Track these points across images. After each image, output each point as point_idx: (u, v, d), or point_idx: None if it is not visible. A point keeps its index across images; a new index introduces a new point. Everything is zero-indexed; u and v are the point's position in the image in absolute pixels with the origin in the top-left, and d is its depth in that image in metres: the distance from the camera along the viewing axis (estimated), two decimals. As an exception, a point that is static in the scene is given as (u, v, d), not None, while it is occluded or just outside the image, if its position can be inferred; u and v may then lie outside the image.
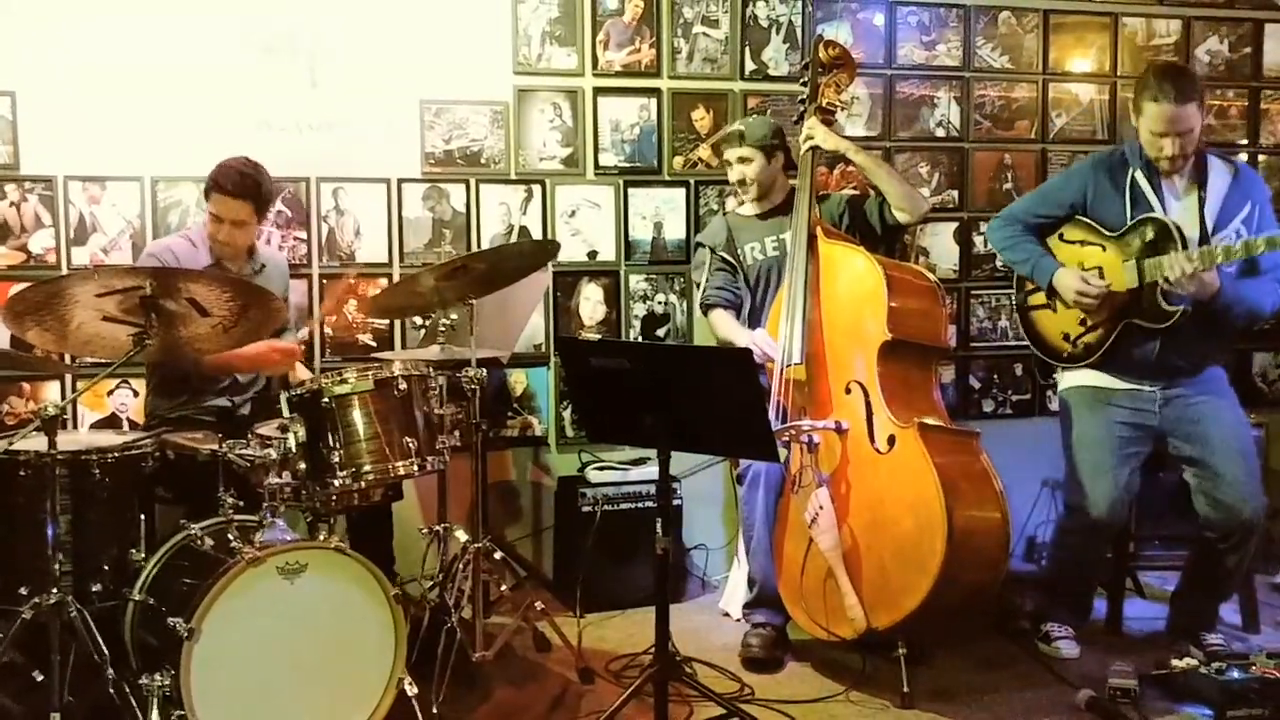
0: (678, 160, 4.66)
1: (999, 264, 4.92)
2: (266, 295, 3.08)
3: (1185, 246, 3.47)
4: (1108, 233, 3.66)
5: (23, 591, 2.96)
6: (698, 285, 4.23)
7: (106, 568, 3.13)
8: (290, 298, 4.12)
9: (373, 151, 4.33)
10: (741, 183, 4.09)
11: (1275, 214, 3.71)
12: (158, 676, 2.79)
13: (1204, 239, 3.53)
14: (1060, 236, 3.79)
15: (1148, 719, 3.26)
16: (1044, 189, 3.99)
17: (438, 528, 3.72)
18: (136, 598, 3.05)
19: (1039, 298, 3.83)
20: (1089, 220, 3.72)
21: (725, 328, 4.07)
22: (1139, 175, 3.63)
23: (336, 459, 3.11)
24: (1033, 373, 4.80)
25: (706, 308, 4.16)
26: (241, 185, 3.66)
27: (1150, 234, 3.55)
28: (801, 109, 4.06)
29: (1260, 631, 4.01)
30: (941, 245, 4.95)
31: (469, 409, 3.55)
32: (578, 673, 3.59)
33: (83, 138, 4.06)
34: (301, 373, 3.88)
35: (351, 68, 4.29)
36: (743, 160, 4.05)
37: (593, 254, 4.61)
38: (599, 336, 4.58)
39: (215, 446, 3.20)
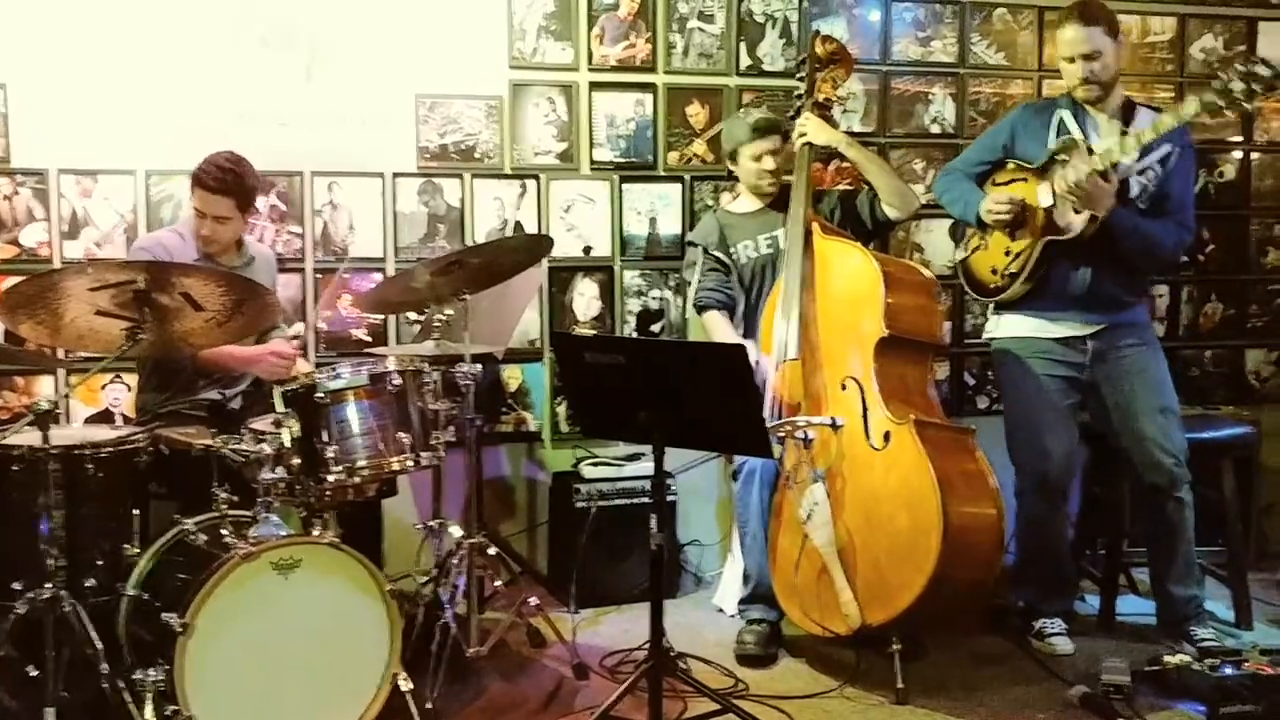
0: (673, 155, 4.66)
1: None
2: (260, 290, 3.08)
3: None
4: (1031, 166, 3.73)
5: (16, 586, 2.94)
6: (689, 285, 4.21)
7: (100, 563, 3.11)
8: (283, 293, 4.11)
9: (367, 146, 4.32)
10: (773, 172, 4.06)
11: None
12: (152, 672, 2.80)
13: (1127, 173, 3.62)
14: (993, 182, 3.86)
15: (1141, 715, 3.27)
16: (980, 138, 4.06)
17: (432, 523, 3.71)
18: (130, 593, 3.04)
19: (975, 240, 3.89)
20: (1016, 160, 3.81)
21: (719, 332, 4.06)
22: (1065, 114, 3.73)
23: (331, 454, 3.10)
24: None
25: (700, 309, 4.15)
26: (222, 181, 3.61)
27: (1060, 154, 3.62)
28: (798, 104, 4.06)
29: (1253, 628, 4.01)
30: (936, 242, 4.94)
31: (463, 405, 3.54)
32: (572, 668, 3.58)
33: (75, 130, 4.05)
34: (303, 365, 3.86)
35: (346, 62, 4.28)
36: (775, 152, 4.04)
37: (587, 249, 4.60)
38: (593, 332, 4.58)
39: (209, 441, 3.19)
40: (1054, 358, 3.76)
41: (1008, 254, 3.75)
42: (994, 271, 3.80)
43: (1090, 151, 3.55)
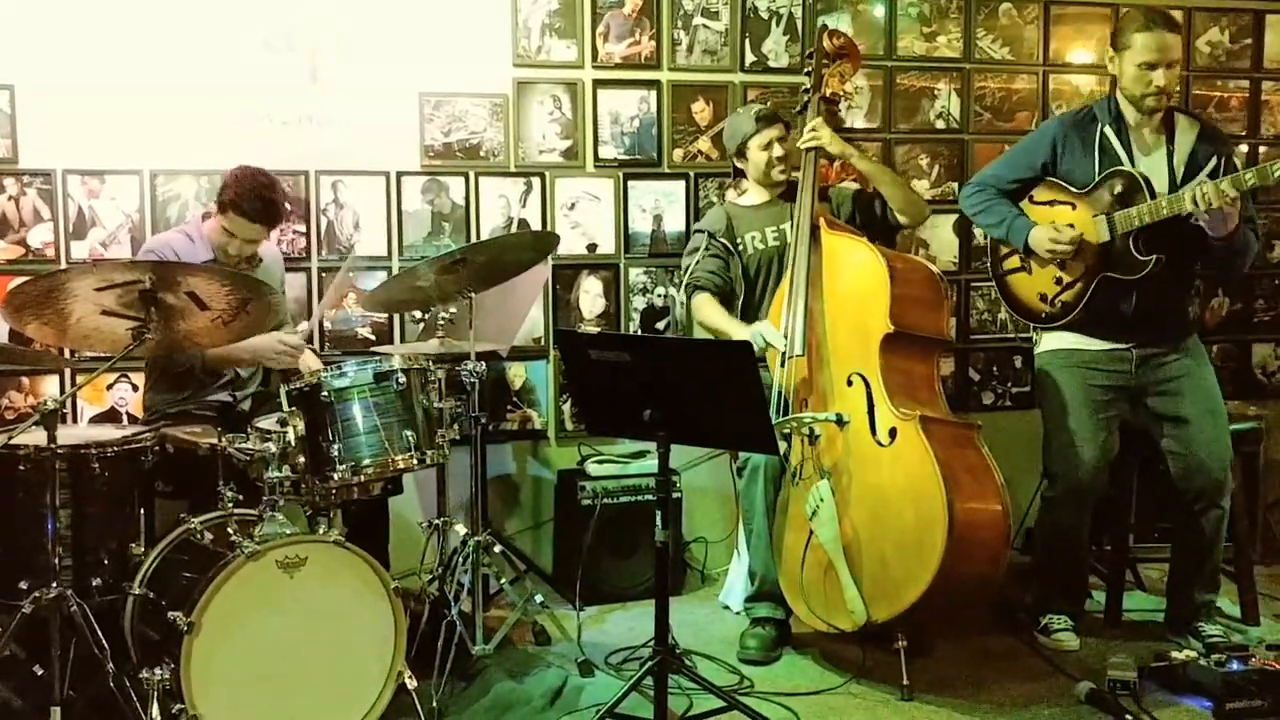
0: (678, 153, 4.65)
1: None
2: (265, 289, 3.08)
3: (1153, 197, 3.49)
4: (1076, 190, 3.68)
5: (23, 585, 2.96)
6: (687, 269, 4.18)
7: (106, 562, 3.13)
8: (288, 291, 4.12)
9: (372, 144, 4.32)
10: (783, 158, 4.05)
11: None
12: (158, 670, 2.80)
13: (1173, 189, 3.56)
14: (1030, 199, 3.81)
15: (1147, 711, 3.26)
16: (1013, 152, 3.97)
17: (437, 521, 3.73)
18: (136, 591, 3.05)
19: (1014, 261, 3.83)
20: (1058, 180, 3.74)
21: (713, 316, 4.01)
22: (1108, 130, 3.67)
23: (336, 452, 3.11)
24: (1033, 366, 4.76)
25: (693, 288, 4.08)
26: (263, 213, 3.61)
27: (1119, 187, 3.57)
28: (805, 99, 4.05)
29: (1259, 623, 4.00)
30: (941, 237, 4.94)
31: (468, 402, 3.55)
32: (577, 666, 3.59)
33: (82, 131, 4.05)
34: (314, 362, 3.87)
35: (350, 60, 4.28)
36: (782, 139, 4.04)
37: (592, 247, 4.61)
38: (598, 330, 4.58)
39: (215, 440, 3.20)
40: (1099, 367, 3.72)
41: (1058, 282, 3.69)
42: (1043, 299, 3.74)
43: (1145, 187, 3.51)
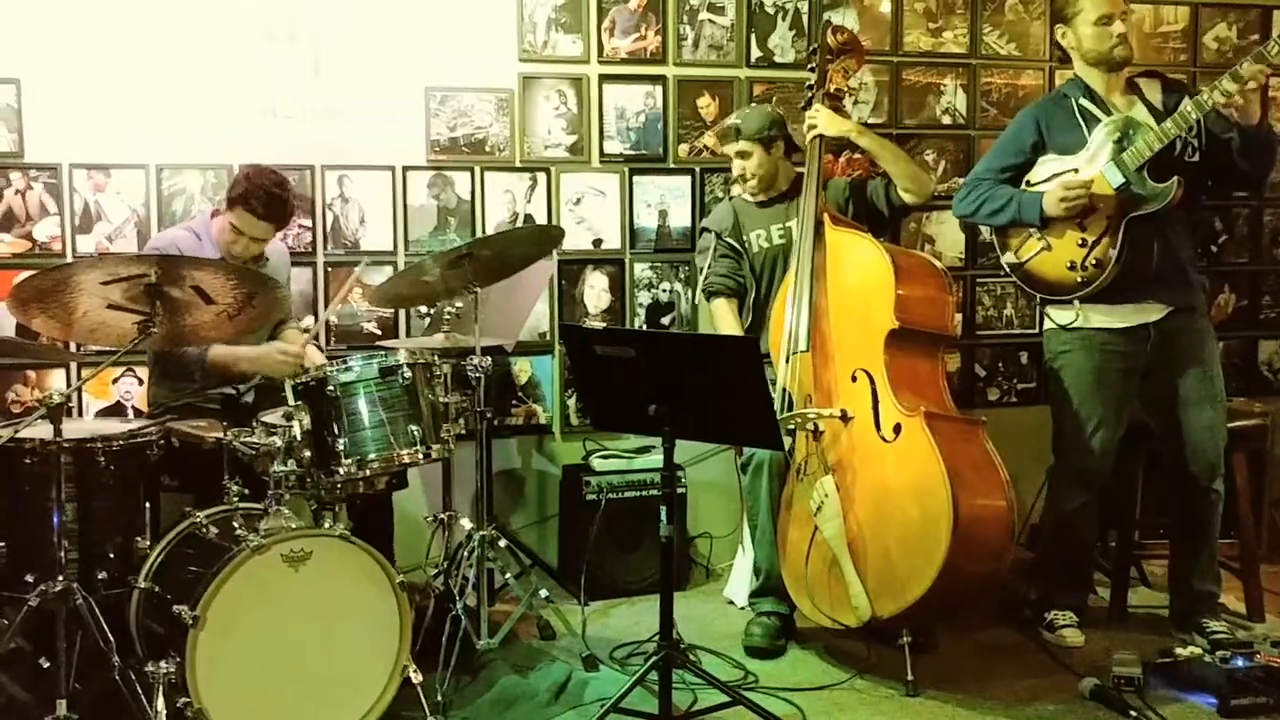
0: (683, 148, 4.65)
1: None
2: (271, 283, 3.08)
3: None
4: (1074, 154, 3.70)
5: (29, 579, 2.96)
6: (701, 270, 4.22)
7: (112, 555, 3.14)
8: (294, 286, 4.13)
9: (377, 139, 4.32)
10: (742, 177, 4.09)
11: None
12: (163, 664, 2.80)
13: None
14: (1027, 183, 3.80)
15: (1152, 707, 3.26)
16: (999, 144, 3.94)
17: (442, 516, 3.73)
18: (142, 585, 3.06)
19: (1030, 246, 3.77)
20: (1051, 155, 3.76)
21: (726, 322, 4.07)
22: (1083, 101, 3.72)
23: (341, 447, 3.11)
24: (1039, 361, 4.74)
25: (709, 294, 4.16)
26: (271, 210, 3.60)
27: (1117, 134, 3.61)
28: (809, 95, 4.04)
29: (1264, 620, 4.00)
30: (947, 233, 4.93)
31: (474, 397, 3.55)
32: (582, 660, 3.59)
33: (87, 125, 4.05)
34: (317, 357, 3.87)
35: (355, 55, 4.28)
36: (741, 155, 4.05)
37: (598, 242, 4.60)
38: (604, 325, 4.58)
39: (220, 434, 3.20)
40: (1114, 349, 3.71)
41: (1083, 245, 3.65)
42: (1072, 267, 3.68)
43: (1142, 117, 3.61)
